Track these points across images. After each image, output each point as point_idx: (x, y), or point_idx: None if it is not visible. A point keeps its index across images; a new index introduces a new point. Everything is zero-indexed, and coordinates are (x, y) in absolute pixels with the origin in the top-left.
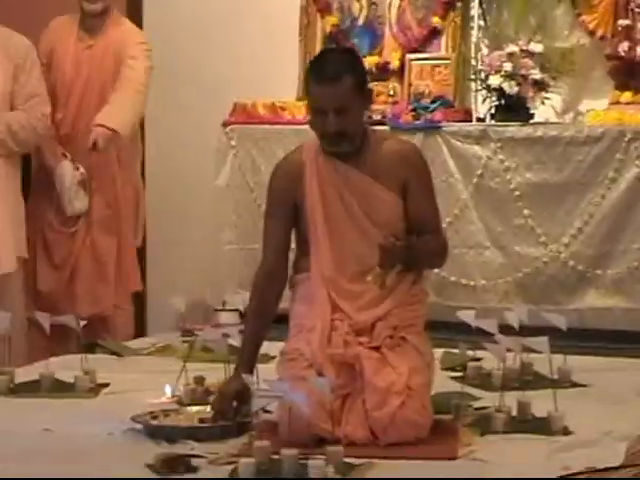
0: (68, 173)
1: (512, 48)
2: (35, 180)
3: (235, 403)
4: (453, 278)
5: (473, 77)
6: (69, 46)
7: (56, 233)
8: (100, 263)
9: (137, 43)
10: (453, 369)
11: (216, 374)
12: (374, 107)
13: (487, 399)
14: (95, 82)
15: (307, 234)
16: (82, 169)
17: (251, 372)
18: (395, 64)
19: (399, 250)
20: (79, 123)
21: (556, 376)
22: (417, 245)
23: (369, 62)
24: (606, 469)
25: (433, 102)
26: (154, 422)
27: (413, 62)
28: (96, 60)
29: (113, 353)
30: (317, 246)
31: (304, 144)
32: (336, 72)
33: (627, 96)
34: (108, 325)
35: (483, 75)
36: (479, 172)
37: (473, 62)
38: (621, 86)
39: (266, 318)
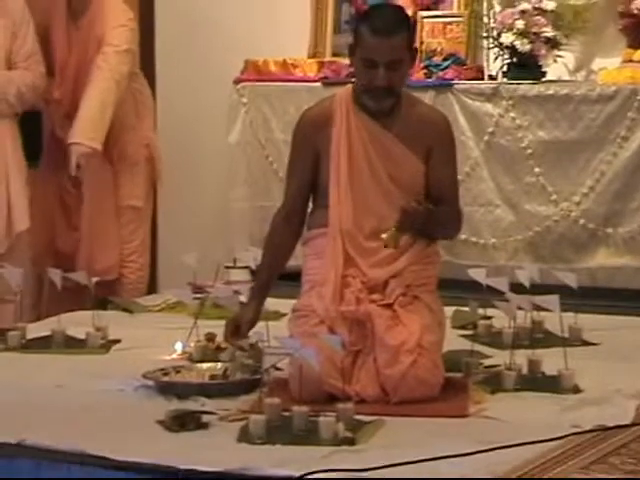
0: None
1: (524, 5)
2: (48, 144)
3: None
4: (464, 236)
5: (485, 35)
6: (60, 25)
7: (71, 196)
8: (100, 225)
9: (115, 27)
10: (464, 327)
11: None
12: None
13: (498, 357)
14: (85, 63)
15: (327, 185)
16: None
17: (264, 299)
18: None
19: (420, 214)
20: (77, 102)
21: (567, 334)
22: (435, 213)
23: None
24: (616, 427)
25: (445, 60)
26: (165, 378)
27: (425, 19)
28: (83, 41)
29: (124, 309)
30: (338, 198)
31: (336, 94)
32: (393, 25)
33: None
34: (121, 282)
35: (495, 33)
36: (490, 130)
37: (485, 19)
38: (634, 44)
39: (282, 255)
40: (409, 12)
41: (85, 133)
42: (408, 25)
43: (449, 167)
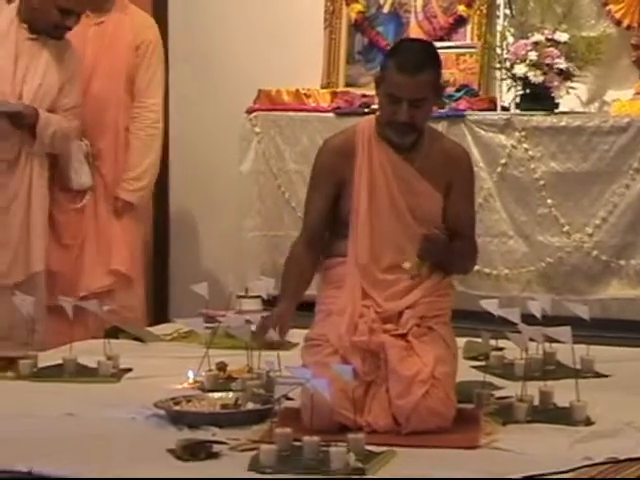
0: (74, 144)
1: (538, 37)
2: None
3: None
4: (477, 267)
5: (498, 66)
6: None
7: (63, 212)
8: (103, 241)
9: (147, 45)
10: (476, 358)
11: (238, 360)
12: None
13: (509, 388)
14: (102, 60)
15: (347, 215)
16: (87, 141)
17: (297, 300)
18: None
19: (442, 243)
20: (85, 99)
21: (579, 366)
22: (452, 246)
23: None
24: (628, 460)
25: (458, 91)
26: (176, 408)
27: (438, 50)
28: (105, 38)
29: (136, 338)
30: (356, 232)
31: (358, 124)
32: (419, 63)
33: None
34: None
35: (508, 64)
36: (503, 161)
37: (498, 51)
38: None
39: (304, 282)
40: None
41: (129, 189)
42: (435, 63)
43: (467, 203)
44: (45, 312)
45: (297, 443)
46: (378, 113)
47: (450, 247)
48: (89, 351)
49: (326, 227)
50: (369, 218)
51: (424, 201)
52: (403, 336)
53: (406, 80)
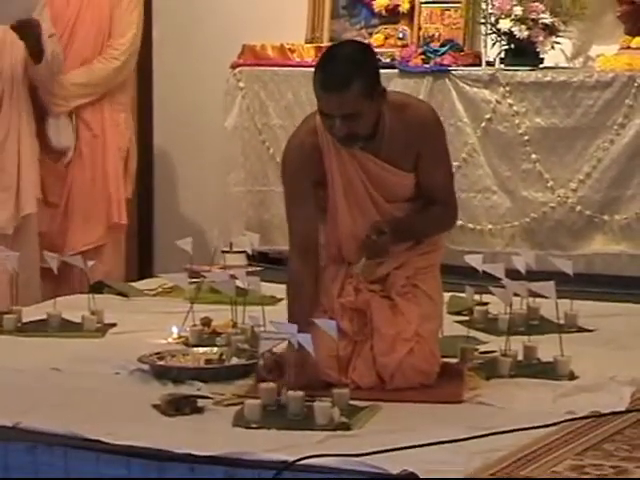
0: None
1: None
2: None
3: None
4: (460, 222)
5: (483, 21)
6: None
7: (47, 170)
8: (88, 198)
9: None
10: (459, 313)
11: (223, 315)
12: (383, 50)
13: (493, 343)
14: (84, 16)
15: (326, 208)
16: None
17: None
18: (405, 7)
19: (381, 244)
20: (66, 54)
21: (562, 321)
22: (419, 218)
23: (379, 5)
24: (611, 414)
25: (442, 46)
26: (161, 363)
27: (423, 5)
28: None
29: (120, 293)
30: (339, 237)
31: (316, 121)
32: (344, 79)
33: (638, 41)
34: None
35: (493, 19)
36: (488, 116)
37: (483, 5)
38: (632, 31)
39: (309, 305)
40: None
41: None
42: (365, 70)
43: (440, 167)
44: (38, 267)
45: (281, 398)
46: None
47: (400, 234)
48: (73, 306)
49: (317, 230)
50: (351, 223)
51: (397, 187)
52: (389, 296)
53: (332, 98)
